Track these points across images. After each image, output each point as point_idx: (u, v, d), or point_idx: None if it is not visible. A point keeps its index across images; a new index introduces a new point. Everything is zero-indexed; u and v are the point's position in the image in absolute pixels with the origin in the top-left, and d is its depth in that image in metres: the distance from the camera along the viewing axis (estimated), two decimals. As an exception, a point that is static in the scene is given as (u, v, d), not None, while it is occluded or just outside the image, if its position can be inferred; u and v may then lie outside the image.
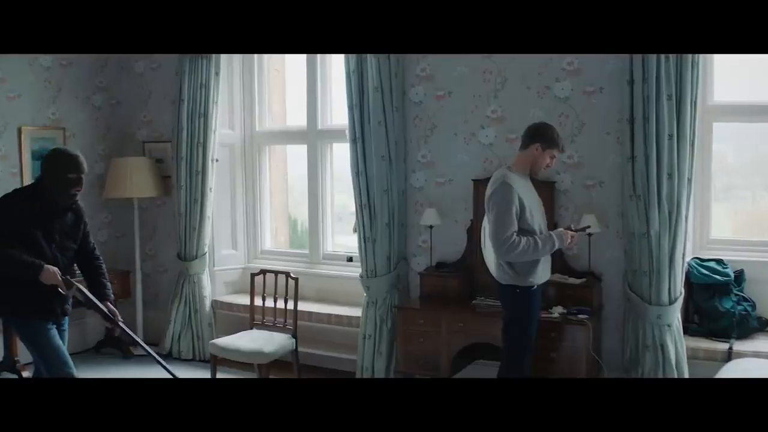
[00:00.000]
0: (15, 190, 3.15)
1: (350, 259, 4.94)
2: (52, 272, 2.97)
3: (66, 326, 3.28)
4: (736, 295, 3.81)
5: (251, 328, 4.50)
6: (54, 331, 3.13)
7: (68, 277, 3.06)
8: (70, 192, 3.05)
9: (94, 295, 3.15)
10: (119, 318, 3.22)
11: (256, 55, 5.23)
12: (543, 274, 3.41)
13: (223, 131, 5.16)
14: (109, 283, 3.31)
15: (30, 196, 3.05)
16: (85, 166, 3.09)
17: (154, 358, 3.31)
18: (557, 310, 3.78)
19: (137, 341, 3.32)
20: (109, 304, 3.20)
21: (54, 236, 3.08)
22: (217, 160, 5.08)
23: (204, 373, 4.50)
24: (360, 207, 4.41)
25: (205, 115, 4.95)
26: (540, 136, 3.35)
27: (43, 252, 3.02)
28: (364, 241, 4.42)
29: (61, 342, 3.15)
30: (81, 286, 3.11)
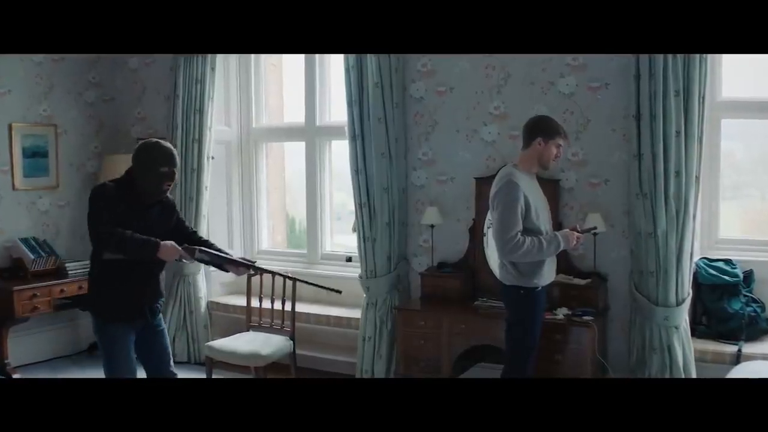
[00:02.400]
0: (105, 183, 2.96)
1: (349, 259, 4.87)
2: (171, 246, 2.82)
3: (162, 325, 3.12)
4: (745, 296, 3.75)
5: (248, 330, 4.44)
6: (131, 345, 3.00)
7: (186, 245, 2.91)
8: (162, 187, 2.90)
9: (214, 256, 3.02)
10: (253, 263, 3.12)
11: (252, 51, 5.15)
12: (548, 275, 3.33)
13: (218, 128, 5.08)
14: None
15: (120, 190, 2.89)
16: (177, 159, 2.94)
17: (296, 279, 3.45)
18: (562, 312, 3.71)
19: (278, 273, 3.42)
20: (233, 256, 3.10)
21: (142, 231, 2.91)
22: (212, 158, 5.00)
23: (199, 376, 4.42)
24: (359, 206, 4.33)
25: (201, 112, 4.87)
26: (539, 129, 3.28)
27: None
28: (364, 241, 4.35)
29: (133, 357, 3.01)
30: (202, 247, 2.98)
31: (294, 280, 3.50)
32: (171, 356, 3.16)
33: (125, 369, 2.98)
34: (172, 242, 2.86)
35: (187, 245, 2.92)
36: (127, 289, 2.91)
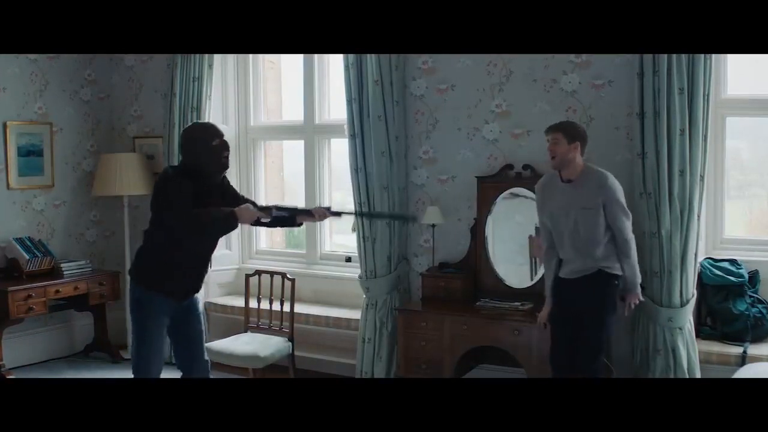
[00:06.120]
0: (168, 169, 3.02)
1: (349, 260, 4.81)
2: (246, 210, 2.91)
3: (198, 309, 3.16)
4: (751, 296, 3.71)
5: (246, 331, 4.39)
6: (164, 325, 3.02)
7: (261, 206, 3.03)
8: (221, 159, 2.96)
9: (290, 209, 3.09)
10: (328, 207, 3.17)
11: (250, 48, 5.09)
12: None
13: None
14: None
15: (187, 177, 2.91)
16: (221, 130, 3.00)
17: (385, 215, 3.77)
18: (565, 313, 3.65)
19: (351, 213, 3.72)
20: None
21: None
22: (210, 156, 4.93)
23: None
24: (359, 205, 4.28)
25: (198, 110, 4.81)
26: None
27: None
28: (364, 241, 4.30)
29: (161, 343, 3.04)
30: (277, 205, 3.08)
31: (368, 216, 3.75)
32: (204, 343, 3.17)
33: (155, 347, 2.99)
34: (247, 205, 2.96)
35: (262, 206, 3.02)
36: (180, 265, 2.96)
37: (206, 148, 2.92)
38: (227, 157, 2.98)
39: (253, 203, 3.14)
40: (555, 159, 3.28)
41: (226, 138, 2.99)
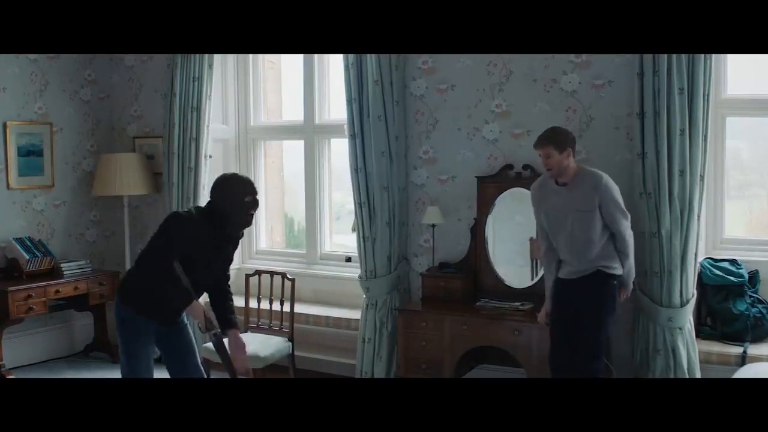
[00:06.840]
0: (194, 211, 3.03)
1: (349, 260, 4.82)
2: (199, 309, 2.94)
3: (185, 320, 3.13)
4: (751, 296, 3.72)
5: (246, 331, 4.37)
6: (152, 345, 3.05)
7: (212, 319, 2.99)
8: (247, 216, 3.00)
9: (220, 322, 3.06)
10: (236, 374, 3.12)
11: (250, 48, 5.09)
12: None
13: (216, 126, 5.01)
14: (234, 314, 3.20)
15: (204, 221, 2.94)
16: (256, 187, 3.05)
17: None
18: (565, 313, 3.65)
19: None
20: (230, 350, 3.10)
21: (211, 265, 3.00)
22: (210, 157, 4.93)
23: (197, 378, 4.37)
24: (359, 205, 4.28)
25: (198, 110, 4.81)
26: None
27: (191, 278, 2.92)
28: (364, 241, 4.29)
29: (150, 358, 3.05)
30: (219, 335, 3.00)
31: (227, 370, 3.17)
32: (197, 353, 3.15)
33: (144, 366, 3.00)
34: (203, 310, 2.93)
35: (211, 320, 2.97)
36: (168, 295, 2.94)
37: (239, 201, 2.95)
38: (252, 215, 3.02)
39: (227, 298, 3.14)
40: (552, 170, 3.28)
41: (258, 197, 3.03)
